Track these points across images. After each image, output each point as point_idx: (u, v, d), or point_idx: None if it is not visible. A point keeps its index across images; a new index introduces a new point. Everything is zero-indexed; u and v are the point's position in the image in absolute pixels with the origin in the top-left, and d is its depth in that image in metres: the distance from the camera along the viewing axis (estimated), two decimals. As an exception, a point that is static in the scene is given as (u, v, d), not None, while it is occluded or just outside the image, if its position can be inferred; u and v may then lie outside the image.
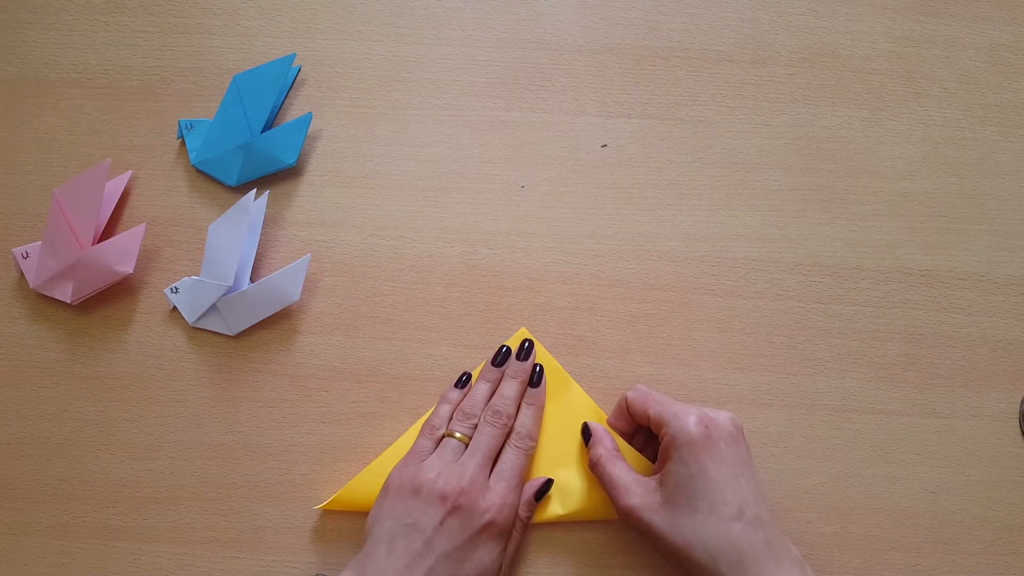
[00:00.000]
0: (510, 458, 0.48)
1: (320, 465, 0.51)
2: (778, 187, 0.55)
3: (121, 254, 0.51)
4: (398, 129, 0.56)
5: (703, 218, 0.54)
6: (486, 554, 0.44)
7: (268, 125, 0.55)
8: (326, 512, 0.50)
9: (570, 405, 0.51)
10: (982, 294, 0.53)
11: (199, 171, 0.55)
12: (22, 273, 0.53)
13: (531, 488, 0.48)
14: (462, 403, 0.49)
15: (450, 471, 0.46)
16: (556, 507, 0.49)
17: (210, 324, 0.52)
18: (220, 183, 0.55)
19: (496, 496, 0.45)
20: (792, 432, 0.51)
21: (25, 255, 0.52)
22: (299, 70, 0.56)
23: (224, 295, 0.51)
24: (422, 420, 0.50)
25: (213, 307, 0.52)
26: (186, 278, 0.52)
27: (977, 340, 0.52)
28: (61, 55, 0.57)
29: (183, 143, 0.55)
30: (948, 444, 0.51)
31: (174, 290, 0.52)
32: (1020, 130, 0.56)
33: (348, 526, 0.50)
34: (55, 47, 0.57)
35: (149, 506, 0.50)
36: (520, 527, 0.47)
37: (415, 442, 0.48)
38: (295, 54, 0.54)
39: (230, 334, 0.52)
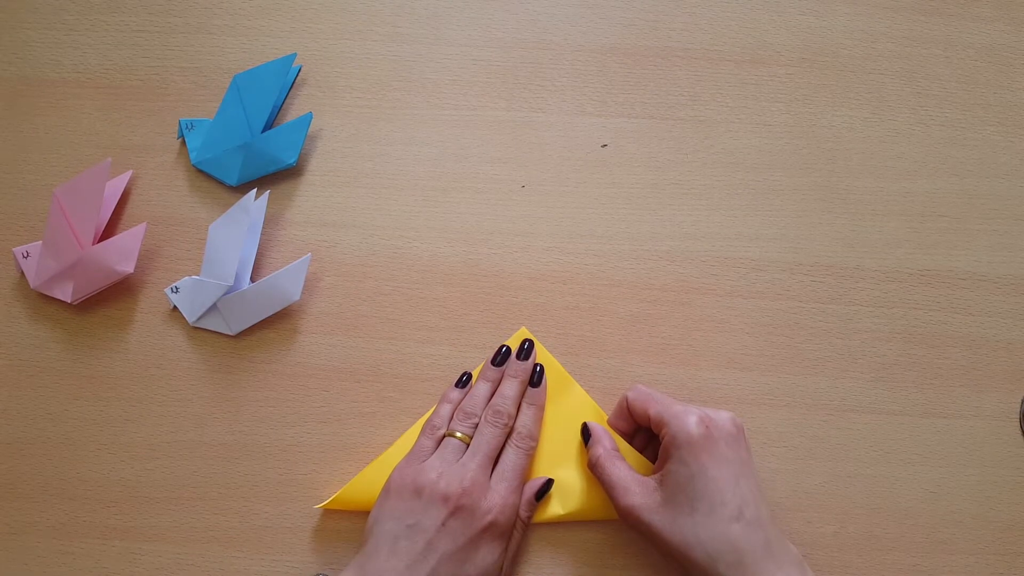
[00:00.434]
0: (511, 458, 0.48)
1: (320, 465, 0.51)
2: (778, 187, 0.55)
3: (121, 254, 0.51)
4: (398, 129, 0.56)
5: (703, 218, 0.54)
6: (488, 554, 0.44)
7: (268, 125, 0.55)
8: (326, 512, 0.50)
9: (570, 405, 0.51)
10: (982, 294, 0.53)
11: (199, 171, 0.55)
12: (22, 273, 0.53)
13: (531, 488, 0.48)
14: (463, 403, 0.49)
15: (451, 472, 0.46)
16: (556, 507, 0.49)
17: (210, 324, 0.52)
18: (220, 183, 0.55)
19: (497, 496, 0.45)
20: (792, 432, 0.51)
21: (25, 255, 0.52)
22: (299, 70, 0.56)
23: (224, 295, 0.51)
24: (423, 420, 0.50)
25: (213, 307, 0.52)
26: (186, 278, 0.52)
27: (977, 340, 0.52)
28: (61, 55, 0.57)
29: (183, 143, 0.55)
30: (948, 444, 0.51)
31: (174, 290, 0.52)
32: (1020, 130, 0.56)
33: (348, 526, 0.50)
34: (55, 47, 0.57)
35: (149, 506, 0.50)
36: (521, 527, 0.47)
37: (416, 442, 0.48)
38: (295, 54, 0.54)
39: (230, 334, 0.52)
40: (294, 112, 0.56)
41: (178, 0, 0.58)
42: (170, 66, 0.57)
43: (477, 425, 0.48)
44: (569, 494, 0.49)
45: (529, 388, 0.50)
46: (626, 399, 0.48)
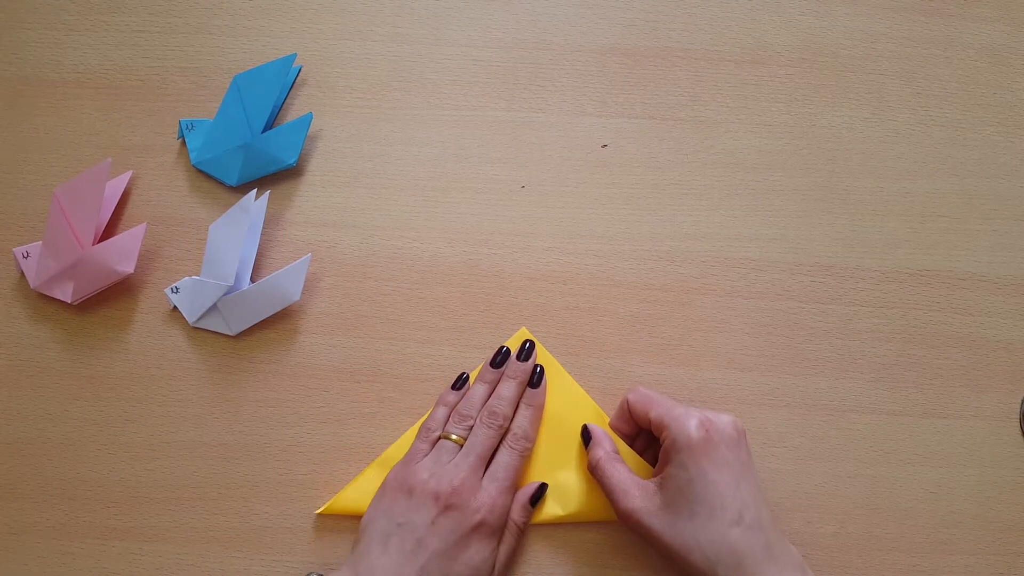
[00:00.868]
0: (504, 459, 0.48)
1: (320, 465, 0.51)
2: (778, 187, 0.55)
3: (121, 254, 0.51)
4: (398, 129, 0.56)
5: (703, 218, 0.54)
6: (477, 553, 0.45)
7: (268, 125, 0.55)
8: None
9: (571, 406, 0.51)
10: (982, 294, 0.53)
11: (199, 171, 0.55)
12: (22, 273, 0.53)
13: (525, 493, 0.48)
14: (458, 405, 0.49)
15: (443, 471, 0.46)
16: (556, 508, 0.49)
17: (210, 324, 0.52)
18: (220, 183, 0.55)
19: (487, 496, 0.46)
20: (792, 432, 0.51)
21: (25, 255, 0.52)
22: (299, 70, 0.56)
23: (224, 295, 0.51)
24: (421, 422, 0.50)
25: (213, 307, 0.52)
26: (186, 278, 0.52)
27: (977, 340, 0.52)
28: (61, 55, 0.57)
29: (183, 143, 0.55)
30: (948, 444, 0.51)
31: (174, 290, 0.52)
32: (1020, 130, 0.56)
33: (348, 526, 0.50)
34: (55, 47, 0.57)
35: (149, 506, 0.50)
36: (515, 531, 0.47)
37: (412, 445, 0.49)
38: (296, 54, 0.54)
39: (230, 334, 0.52)
40: (294, 112, 0.56)
41: (178, 0, 0.58)
42: (170, 66, 0.57)
43: (472, 427, 0.48)
44: (569, 495, 0.49)
45: (528, 389, 0.50)
46: (627, 401, 0.48)
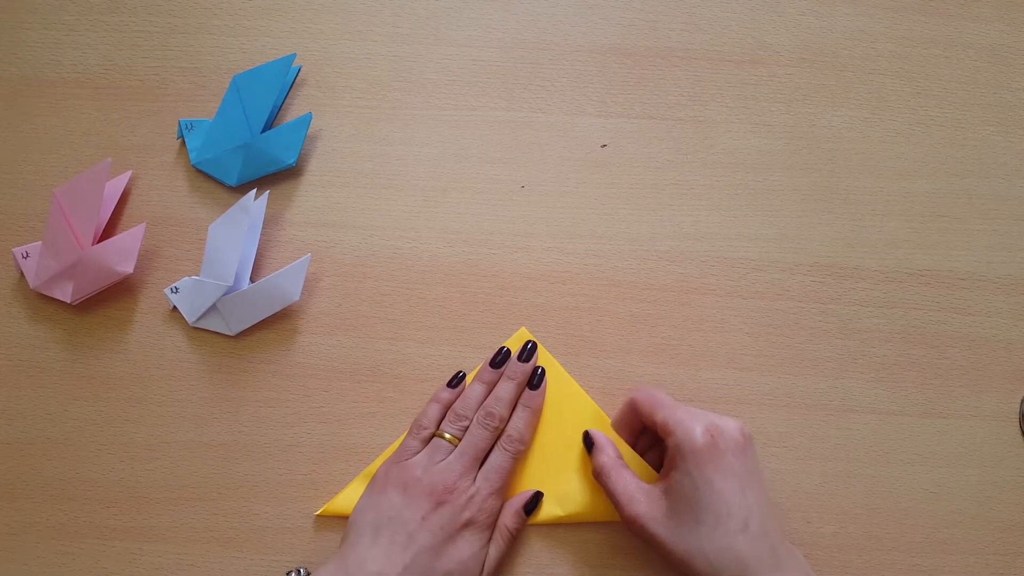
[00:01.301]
0: (496, 459, 0.48)
1: (320, 465, 0.51)
2: (778, 187, 0.55)
3: (121, 254, 0.51)
4: (398, 129, 0.56)
5: (703, 218, 0.54)
6: (465, 549, 0.45)
7: (268, 125, 0.55)
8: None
9: (571, 407, 0.51)
10: (982, 294, 0.53)
11: (199, 171, 0.55)
12: (22, 273, 0.53)
13: (520, 500, 0.48)
14: (455, 404, 0.49)
15: (435, 469, 0.46)
16: (555, 509, 0.49)
17: (210, 324, 0.52)
18: (220, 183, 0.55)
19: (477, 496, 0.46)
20: (792, 432, 0.51)
21: (25, 255, 0.52)
22: (299, 70, 0.56)
23: (224, 295, 0.51)
24: (419, 420, 0.51)
25: (213, 307, 0.52)
26: (186, 278, 0.52)
27: (977, 340, 0.52)
28: (61, 55, 0.57)
29: (183, 143, 0.55)
30: (948, 444, 0.51)
31: (174, 290, 0.52)
32: (1020, 130, 0.56)
33: (348, 526, 0.50)
34: (55, 47, 0.57)
35: (149, 506, 0.50)
36: (506, 535, 0.47)
37: (403, 442, 0.49)
38: (295, 54, 0.54)
39: (230, 334, 0.52)
40: (294, 112, 0.56)
41: (178, 0, 0.58)
42: (170, 66, 0.57)
43: (467, 427, 0.48)
44: (568, 496, 0.49)
45: (527, 390, 0.50)
46: (632, 400, 0.47)
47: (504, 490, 0.48)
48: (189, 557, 0.50)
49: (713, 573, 0.41)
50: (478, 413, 0.49)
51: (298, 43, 0.57)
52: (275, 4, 0.58)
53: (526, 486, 0.50)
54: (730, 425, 0.44)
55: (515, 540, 0.49)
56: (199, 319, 0.52)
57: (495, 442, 0.49)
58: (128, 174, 0.54)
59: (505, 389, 0.50)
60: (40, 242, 0.52)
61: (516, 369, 0.50)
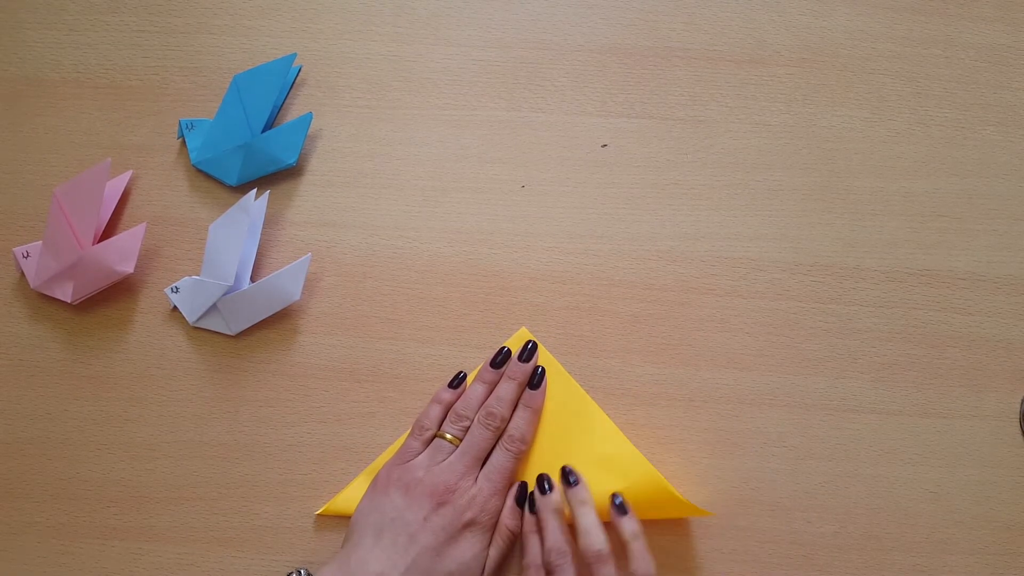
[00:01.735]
0: (497, 459, 0.48)
1: (320, 465, 0.51)
2: (778, 187, 0.55)
3: (121, 254, 0.51)
4: (398, 129, 0.56)
5: (703, 218, 0.54)
6: (467, 549, 0.45)
7: (268, 125, 0.55)
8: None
9: (572, 407, 0.51)
10: (982, 294, 0.53)
11: (199, 171, 0.55)
12: (22, 273, 0.53)
13: (511, 496, 0.48)
14: (456, 404, 0.49)
15: (437, 470, 0.46)
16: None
17: (210, 324, 0.52)
18: (220, 183, 0.55)
19: (480, 496, 0.46)
20: (792, 432, 0.51)
21: (25, 255, 0.52)
22: (299, 70, 0.56)
23: (224, 295, 0.51)
24: (420, 420, 0.50)
25: (213, 307, 0.52)
26: (186, 278, 0.52)
27: (977, 340, 0.52)
28: (61, 55, 0.57)
29: (183, 143, 0.55)
30: (948, 444, 0.51)
31: (174, 290, 0.52)
32: (1020, 130, 0.56)
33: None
34: (55, 47, 0.57)
35: (149, 506, 0.50)
36: (506, 535, 0.47)
37: (404, 442, 0.49)
38: (295, 54, 0.54)
39: (230, 334, 0.52)
40: (294, 112, 0.56)
41: (178, 0, 0.58)
42: (170, 66, 0.57)
43: (468, 427, 0.48)
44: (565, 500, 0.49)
45: (527, 390, 0.50)
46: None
47: (506, 490, 0.48)
48: (189, 557, 0.50)
49: None
50: (479, 413, 0.49)
51: (298, 43, 0.57)
52: (275, 4, 0.58)
53: (526, 486, 0.50)
54: None
55: (516, 540, 0.48)
56: (199, 319, 0.52)
57: (496, 442, 0.49)
58: (128, 174, 0.55)
59: (506, 389, 0.50)
60: (40, 242, 0.52)
61: (517, 369, 0.50)
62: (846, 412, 0.51)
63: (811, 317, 0.53)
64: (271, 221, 0.54)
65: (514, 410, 0.50)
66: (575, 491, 0.47)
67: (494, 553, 0.47)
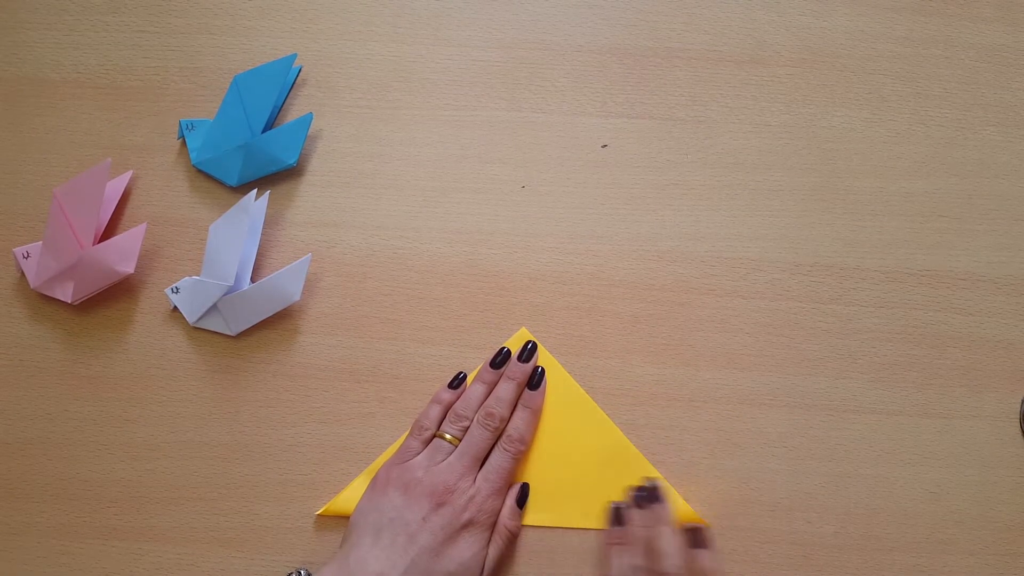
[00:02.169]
0: (497, 460, 0.48)
1: (320, 465, 0.51)
2: (778, 187, 0.55)
3: (121, 254, 0.51)
4: (398, 129, 0.56)
5: (703, 218, 0.54)
6: (466, 549, 0.45)
7: (268, 125, 0.55)
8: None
9: (571, 407, 0.51)
10: (982, 294, 0.53)
11: (200, 171, 0.55)
12: (22, 273, 0.53)
13: (511, 496, 0.48)
14: (455, 404, 0.49)
15: (436, 470, 0.46)
16: (556, 510, 0.49)
17: (210, 324, 0.52)
18: (220, 183, 0.55)
19: (479, 496, 0.46)
20: (792, 432, 0.51)
21: (26, 255, 0.52)
22: (299, 70, 0.56)
23: (224, 295, 0.51)
24: (420, 420, 0.51)
25: (214, 307, 0.52)
26: (187, 278, 0.52)
27: (977, 340, 0.52)
28: (61, 55, 0.57)
29: (184, 143, 0.55)
30: (948, 444, 0.51)
31: (175, 290, 0.52)
32: (1020, 130, 0.56)
33: (348, 526, 0.50)
34: (55, 47, 0.57)
35: (149, 506, 0.50)
36: (505, 535, 0.47)
37: (404, 442, 0.49)
38: (295, 54, 0.54)
39: (230, 334, 0.52)
40: (294, 112, 0.56)
41: (178, 0, 0.58)
42: (170, 66, 0.57)
43: (468, 428, 0.48)
44: (569, 497, 0.49)
45: (526, 390, 0.50)
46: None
47: (504, 490, 0.48)
48: (189, 557, 0.50)
49: None
50: (478, 413, 0.49)
51: (298, 43, 0.57)
52: (275, 4, 0.58)
53: (526, 486, 0.50)
54: None
55: (515, 540, 0.49)
56: (199, 319, 0.52)
57: (495, 442, 0.49)
58: (128, 174, 0.55)
59: (505, 389, 0.50)
60: (40, 242, 0.52)
61: (516, 369, 0.50)
62: (846, 412, 0.51)
63: (811, 317, 0.53)
64: (271, 221, 0.54)
65: (514, 410, 0.50)
66: (661, 507, 0.47)
67: (493, 553, 0.47)
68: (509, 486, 0.49)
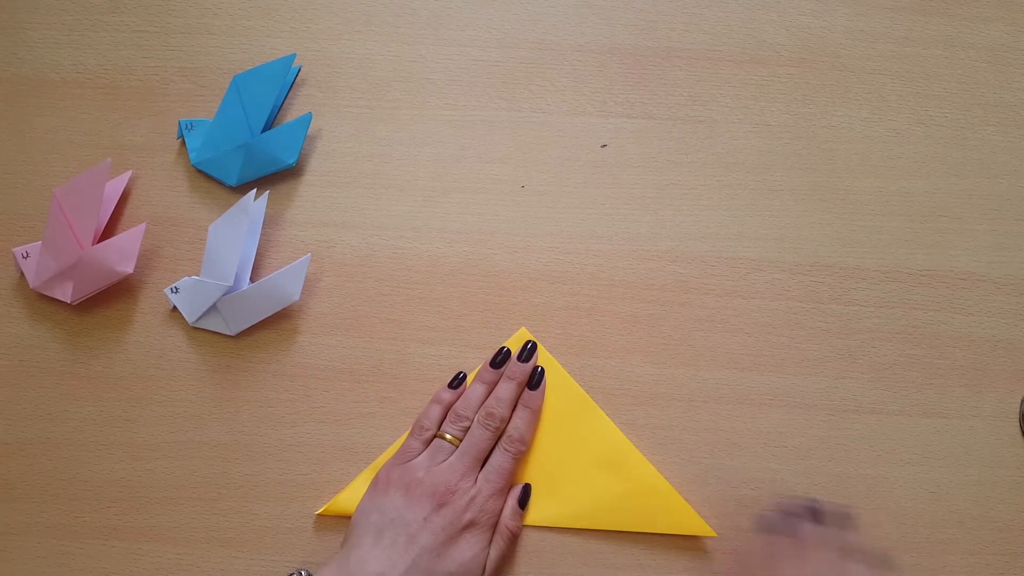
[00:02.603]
0: (497, 460, 0.48)
1: (320, 465, 0.51)
2: (778, 187, 0.55)
3: (121, 254, 0.51)
4: (398, 129, 0.56)
5: (703, 218, 0.54)
6: (467, 550, 0.45)
7: (268, 125, 0.55)
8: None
9: (572, 407, 0.51)
10: (982, 294, 0.53)
11: (199, 171, 0.55)
12: (22, 273, 0.53)
13: (513, 497, 0.48)
14: (456, 404, 0.49)
15: (437, 470, 0.46)
16: (556, 510, 0.49)
17: (210, 324, 0.52)
18: (220, 183, 0.55)
19: (479, 497, 0.46)
20: (792, 432, 0.51)
21: (25, 255, 0.52)
22: (299, 70, 0.56)
23: (224, 295, 0.51)
24: (421, 420, 0.51)
25: (213, 307, 0.51)
26: (186, 278, 0.52)
27: (977, 340, 0.52)
28: (61, 55, 0.57)
29: (183, 143, 0.55)
30: (948, 444, 0.51)
31: (174, 290, 0.52)
32: (1020, 130, 0.56)
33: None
34: (55, 47, 0.57)
35: (149, 506, 0.50)
36: (506, 535, 0.47)
37: (404, 443, 0.49)
38: (295, 54, 0.54)
39: (230, 334, 0.52)
40: (294, 112, 0.56)
41: (178, 0, 0.58)
42: (170, 66, 0.57)
43: (468, 428, 0.48)
44: (570, 497, 0.49)
45: (526, 390, 0.50)
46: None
47: (505, 490, 0.48)
48: (189, 557, 0.50)
49: None
50: (479, 413, 0.49)
51: (298, 43, 0.57)
52: (275, 4, 0.58)
53: (526, 486, 0.50)
54: None
55: (516, 540, 0.49)
56: (199, 319, 0.52)
57: (496, 442, 0.49)
58: (128, 174, 0.54)
59: (506, 389, 0.50)
60: (40, 242, 0.52)
61: (516, 369, 0.50)
62: (846, 412, 0.51)
63: (811, 317, 0.53)
64: (271, 221, 0.54)
65: (514, 410, 0.50)
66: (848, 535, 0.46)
67: (494, 553, 0.47)
68: (510, 486, 0.49)
